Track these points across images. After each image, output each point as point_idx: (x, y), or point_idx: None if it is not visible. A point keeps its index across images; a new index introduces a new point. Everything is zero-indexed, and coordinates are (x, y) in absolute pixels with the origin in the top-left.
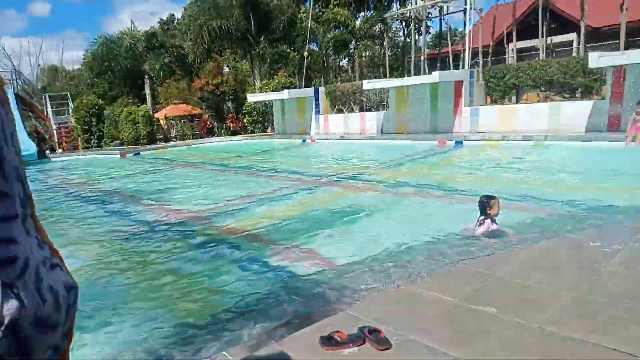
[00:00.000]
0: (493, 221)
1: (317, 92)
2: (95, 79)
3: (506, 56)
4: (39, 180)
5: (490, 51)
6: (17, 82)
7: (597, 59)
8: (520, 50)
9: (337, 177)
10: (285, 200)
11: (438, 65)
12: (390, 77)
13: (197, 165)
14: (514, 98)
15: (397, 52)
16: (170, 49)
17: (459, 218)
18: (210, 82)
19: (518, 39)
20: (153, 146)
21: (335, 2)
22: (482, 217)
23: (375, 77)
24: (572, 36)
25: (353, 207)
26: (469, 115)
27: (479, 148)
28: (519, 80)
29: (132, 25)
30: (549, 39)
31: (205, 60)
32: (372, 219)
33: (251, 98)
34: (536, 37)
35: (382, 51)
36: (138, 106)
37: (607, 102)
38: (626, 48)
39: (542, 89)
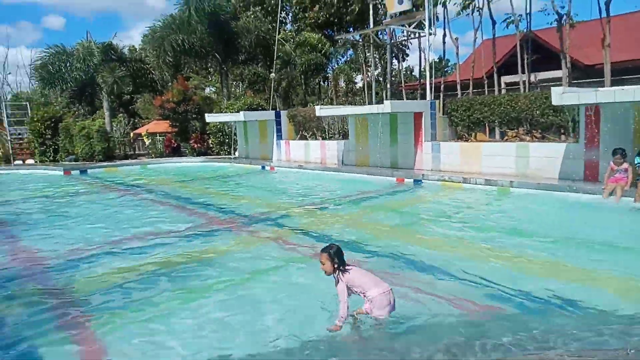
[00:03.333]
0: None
1: (278, 115)
2: (45, 90)
3: (495, 89)
4: None
5: (471, 84)
6: None
7: (560, 95)
8: (509, 84)
9: (262, 219)
10: (170, 248)
11: (418, 96)
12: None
13: (128, 190)
14: (497, 135)
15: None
16: (130, 63)
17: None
18: (171, 99)
19: (508, 74)
20: (105, 164)
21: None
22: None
23: (358, 104)
24: (560, 73)
25: (234, 269)
26: (430, 151)
27: (437, 190)
28: (483, 116)
29: (88, 36)
30: (538, 74)
31: (173, 77)
32: (232, 293)
33: (209, 118)
34: (523, 72)
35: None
36: (93, 120)
37: (581, 146)
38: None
39: (510, 126)
